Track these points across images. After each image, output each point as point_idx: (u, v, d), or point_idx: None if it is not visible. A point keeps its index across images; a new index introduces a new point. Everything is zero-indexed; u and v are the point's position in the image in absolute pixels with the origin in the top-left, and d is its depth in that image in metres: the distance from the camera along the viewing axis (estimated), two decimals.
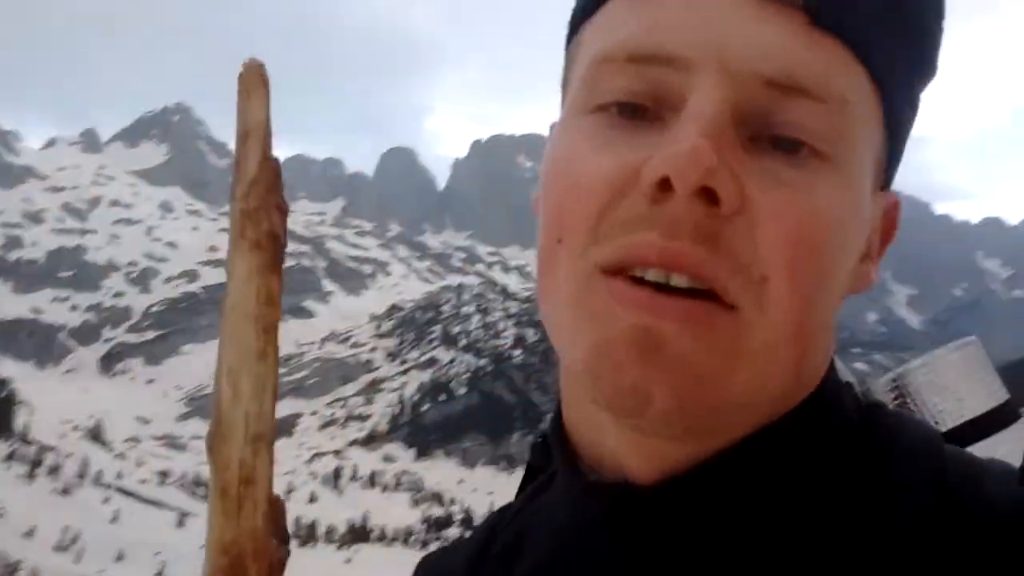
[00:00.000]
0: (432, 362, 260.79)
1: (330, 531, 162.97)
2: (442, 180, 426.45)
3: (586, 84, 0.58)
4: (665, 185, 0.51)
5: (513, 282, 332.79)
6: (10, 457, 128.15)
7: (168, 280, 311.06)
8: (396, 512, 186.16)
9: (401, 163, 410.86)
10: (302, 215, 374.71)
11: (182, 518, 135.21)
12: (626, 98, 0.56)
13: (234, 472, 0.37)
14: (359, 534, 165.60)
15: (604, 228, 0.54)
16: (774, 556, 0.54)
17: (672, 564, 0.56)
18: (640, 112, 0.56)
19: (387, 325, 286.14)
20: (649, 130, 0.55)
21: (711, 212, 0.51)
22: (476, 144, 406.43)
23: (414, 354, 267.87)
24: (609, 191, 0.54)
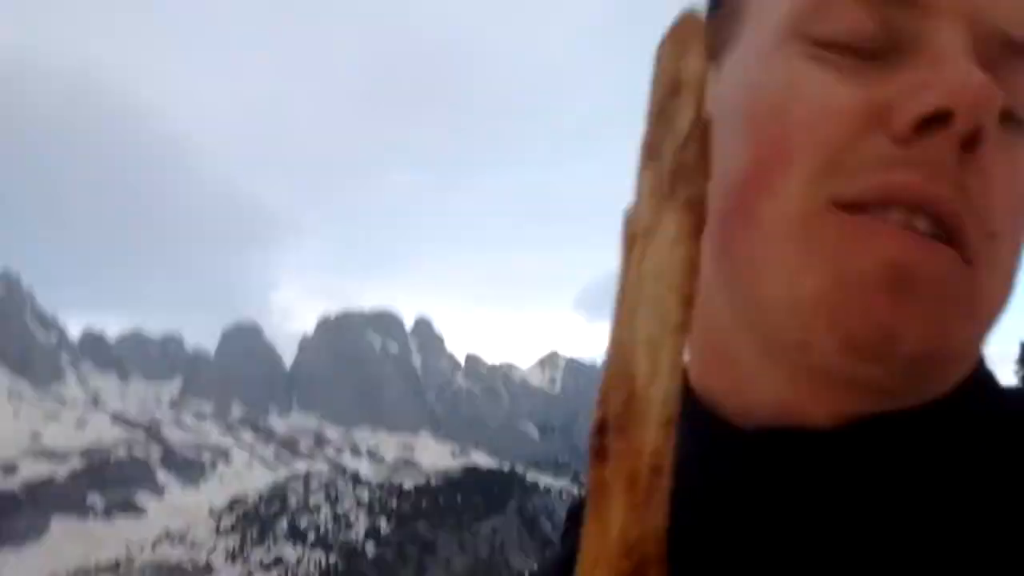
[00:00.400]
0: (278, 561, 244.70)
1: None
2: (288, 358, 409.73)
3: (802, 16, 0.54)
4: (932, 121, 0.49)
5: (364, 467, 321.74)
6: None
7: None
8: None
9: (245, 340, 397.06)
10: (135, 397, 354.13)
11: None
12: (855, 39, 0.52)
13: (647, 458, 0.32)
14: None
15: (846, 161, 0.50)
16: (955, 516, 0.51)
17: (854, 513, 0.52)
18: (863, 53, 0.52)
19: (228, 520, 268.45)
20: (881, 70, 0.52)
21: (963, 159, 0.49)
22: (324, 321, 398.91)
23: (258, 553, 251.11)
24: (853, 122, 0.51)
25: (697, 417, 0.58)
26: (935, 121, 0.48)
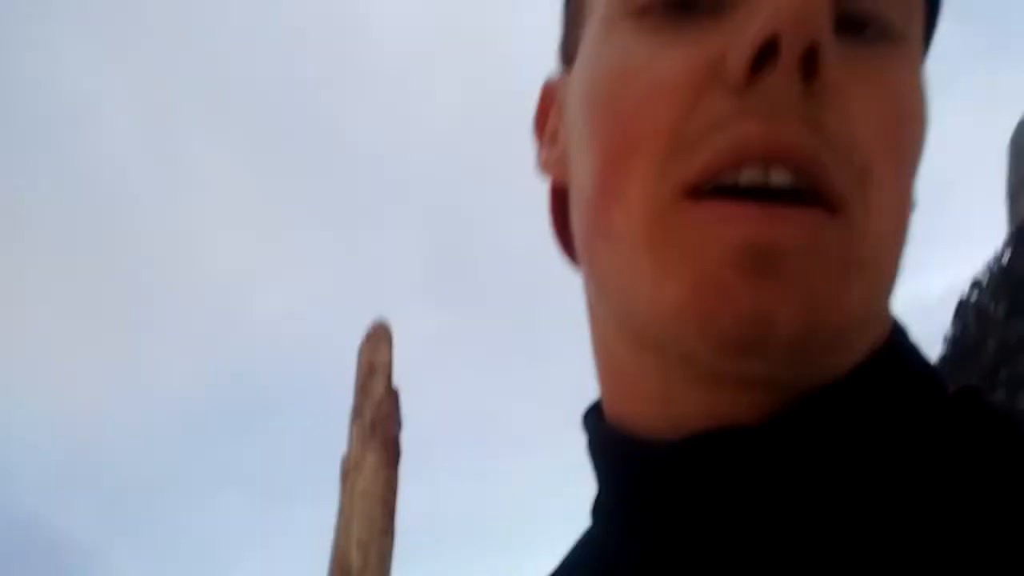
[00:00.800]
0: None
1: None
2: None
3: None
4: (764, 56, 0.43)
5: None
6: None
7: None
8: None
9: None
10: None
11: None
12: None
13: None
14: None
15: (687, 136, 0.45)
16: (889, 499, 0.45)
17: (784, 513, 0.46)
18: (690, 6, 0.48)
19: None
20: (710, 21, 0.47)
21: (809, 90, 0.44)
22: None
23: None
24: (686, 91, 0.45)
25: (620, 448, 0.53)
26: (767, 56, 0.43)
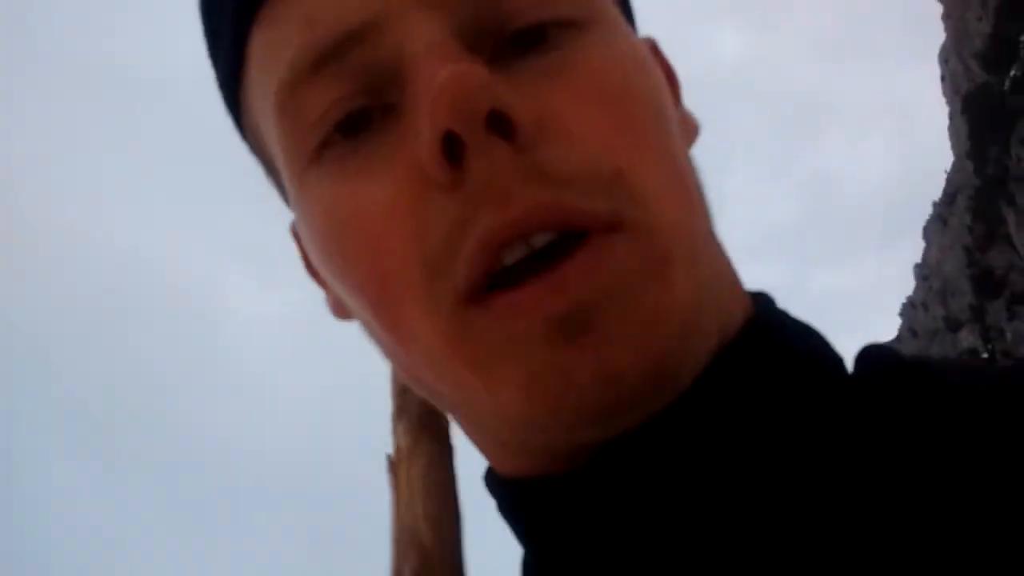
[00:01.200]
0: None
1: None
2: None
3: (291, 130, 0.46)
4: (452, 143, 0.40)
5: None
6: None
7: None
8: None
9: None
10: None
11: None
12: (346, 110, 0.44)
13: None
14: None
15: (434, 253, 0.42)
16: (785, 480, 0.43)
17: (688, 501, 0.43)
18: (366, 117, 0.44)
19: None
20: (388, 133, 0.44)
21: (519, 143, 0.41)
22: None
23: None
24: (407, 213, 0.43)
25: (531, 492, 0.50)
26: (457, 141, 0.40)
